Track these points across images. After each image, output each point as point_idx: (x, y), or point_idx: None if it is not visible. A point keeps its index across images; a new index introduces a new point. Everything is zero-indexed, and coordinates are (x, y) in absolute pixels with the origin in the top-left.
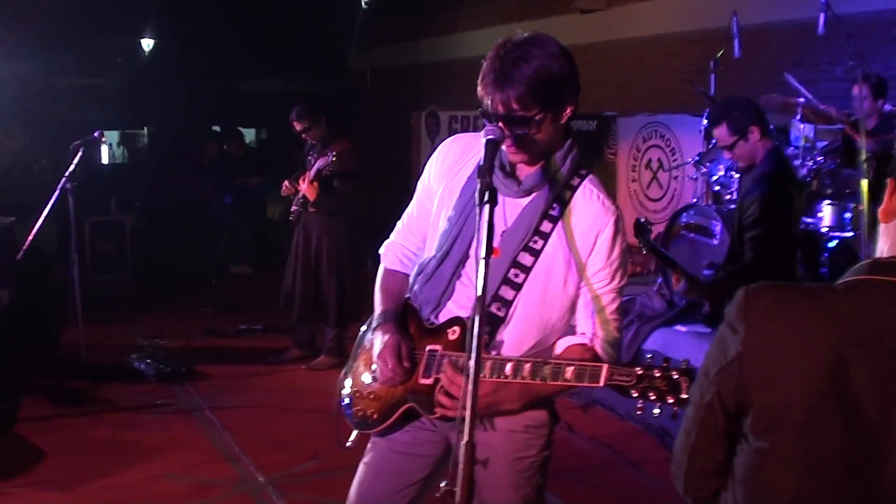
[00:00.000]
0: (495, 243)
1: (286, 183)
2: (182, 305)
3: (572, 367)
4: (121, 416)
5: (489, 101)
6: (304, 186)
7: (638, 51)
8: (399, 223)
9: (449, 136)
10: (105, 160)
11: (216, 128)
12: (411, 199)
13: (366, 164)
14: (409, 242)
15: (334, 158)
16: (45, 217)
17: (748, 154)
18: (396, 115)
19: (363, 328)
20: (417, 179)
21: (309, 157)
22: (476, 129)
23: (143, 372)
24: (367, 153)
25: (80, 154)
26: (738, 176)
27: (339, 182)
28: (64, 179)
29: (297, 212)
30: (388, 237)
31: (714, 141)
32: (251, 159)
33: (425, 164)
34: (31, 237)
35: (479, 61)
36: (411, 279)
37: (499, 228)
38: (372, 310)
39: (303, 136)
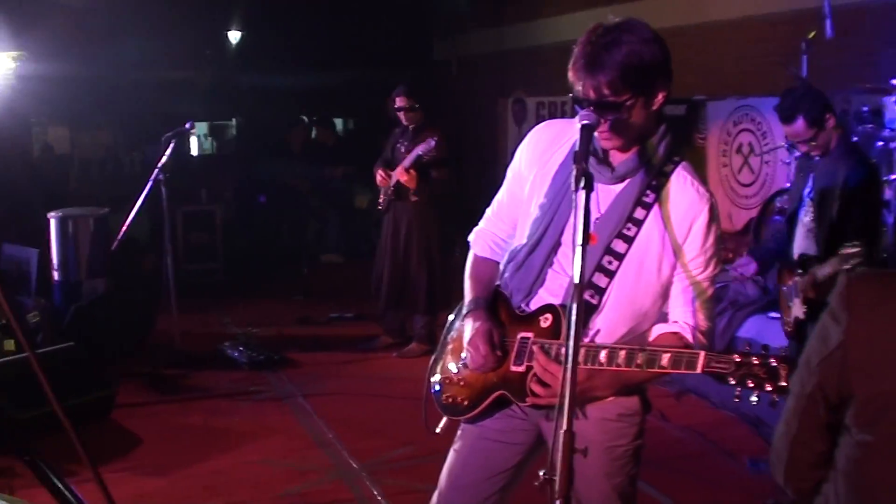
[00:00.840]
0: (592, 230)
1: (380, 171)
2: (273, 294)
3: (668, 355)
4: (214, 403)
5: (580, 87)
6: (399, 174)
7: (727, 33)
8: (489, 210)
9: (537, 122)
10: (194, 151)
11: (303, 117)
12: (498, 186)
13: (454, 152)
14: (500, 230)
15: (435, 144)
16: (139, 208)
17: (825, 142)
18: (482, 102)
19: (452, 315)
20: (504, 167)
21: (398, 145)
22: (564, 116)
23: (236, 360)
24: (453, 141)
25: (171, 146)
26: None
27: (436, 170)
28: (156, 171)
29: (387, 200)
30: (476, 225)
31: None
32: (340, 149)
33: (514, 151)
34: (125, 228)
35: (566, 46)
36: (501, 266)
37: (592, 215)
38: (461, 297)
39: (400, 114)
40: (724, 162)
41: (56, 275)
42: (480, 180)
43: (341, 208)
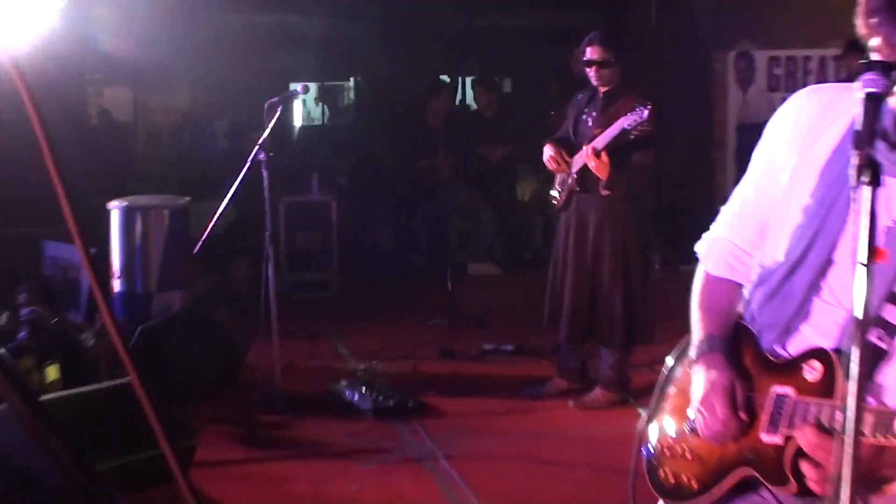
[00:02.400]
0: (879, 242)
1: (553, 152)
2: (405, 316)
3: None
4: (326, 463)
5: (878, 41)
6: (586, 157)
7: None
8: (726, 210)
9: (769, 85)
10: (299, 122)
11: (444, 78)
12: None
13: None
14: (743, 238)
15: (648, 114)
16: (232, 198)
17: None
18: (692, 56)
19: (669, 358)
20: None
21: (584, 117)
22: (815, 78)
23: (356, 405)
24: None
25: (277, 115)
26: None
27: (639, 152)
28: (257, 148)
29: (567, 193)
30: (705, 229)
31: None
32: (500, 120)
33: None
34: (212, 224)
35: None
36: (746, 293)
37: (881, 222)
38: (678, 332)
39: (591, 71)
40: None
41: (117, 284)
42: (690, 166)
43: (498, 202)
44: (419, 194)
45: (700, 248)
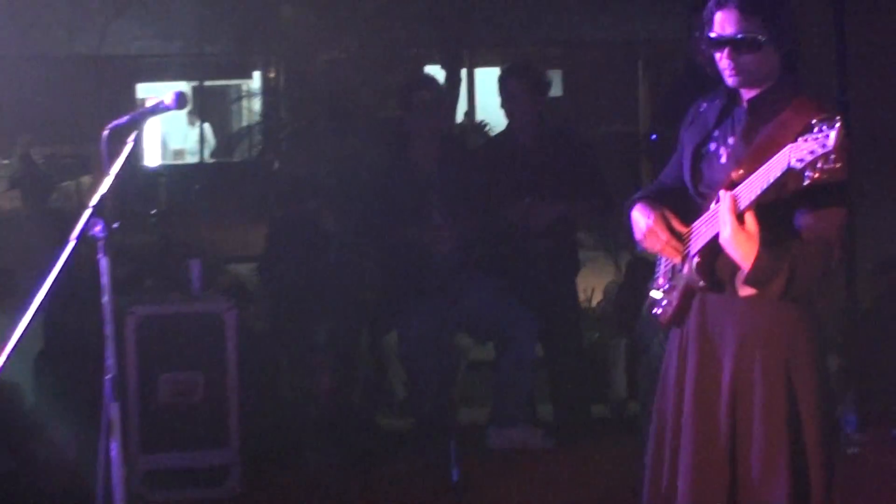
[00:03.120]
0: None
1: (650, 221)
2: None
3: None
4: None
5: None
6: (721, 221)
7: None
8: None
9: None
10: (156, 158)
11: (433, 70)
12: None
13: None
14: None
15: (835, 138)
16: (39, 310)
17: None
18: None
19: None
20: None
21: (712, 145)
22: None
23: None
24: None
25: (128, 150)
26: None
27: (816, 214)
28: (88, 214)
29: (684, 293)
30: None
31: None
32: (550, 149)
33: None
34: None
35: None
36: None
37: None
38: None
39: (720, 58)
40: None
41: None
42: None
43: (545, 310)
44: (395, 298)
45: None
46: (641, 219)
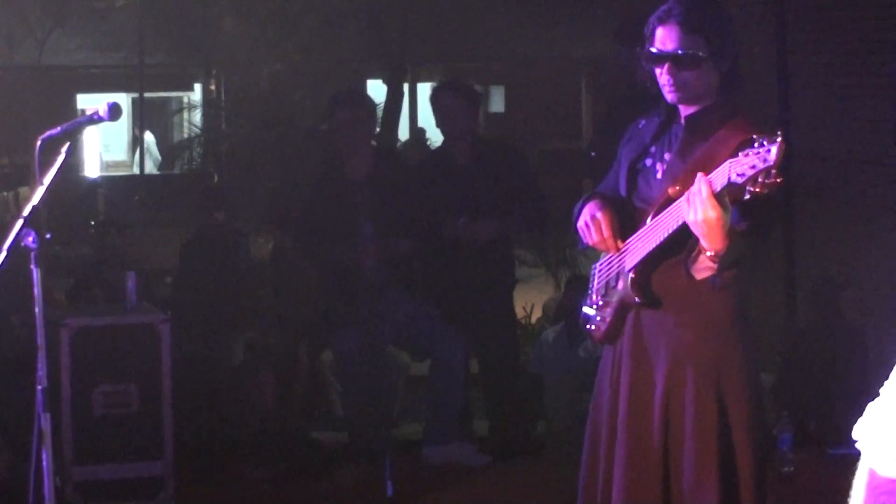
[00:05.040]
0: None
1: (596, 213)
2: None
3: None
4: None
5: None
6: (690, 202)
7: None
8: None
9: None
10: (94, 170)
11: (372, 84)
12: None
13: None
14: None
15: (776, 153)
16: None
17: None
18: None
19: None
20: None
21: (649, 161)
22: None
23: None
24: None
25: (62, 160)
26: None
27: (754, 229)
28: (20, 224)
29: (618, 308)
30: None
31: None
32: (485, 169)
33: None
34: None
35: None
36: None
37: None
38: None
39: (660, 74)
40: None
41: None
42: (856, 256)
43: (481, 328)
44: (329, 315)
45: (865, 431)
46: (594, 210)
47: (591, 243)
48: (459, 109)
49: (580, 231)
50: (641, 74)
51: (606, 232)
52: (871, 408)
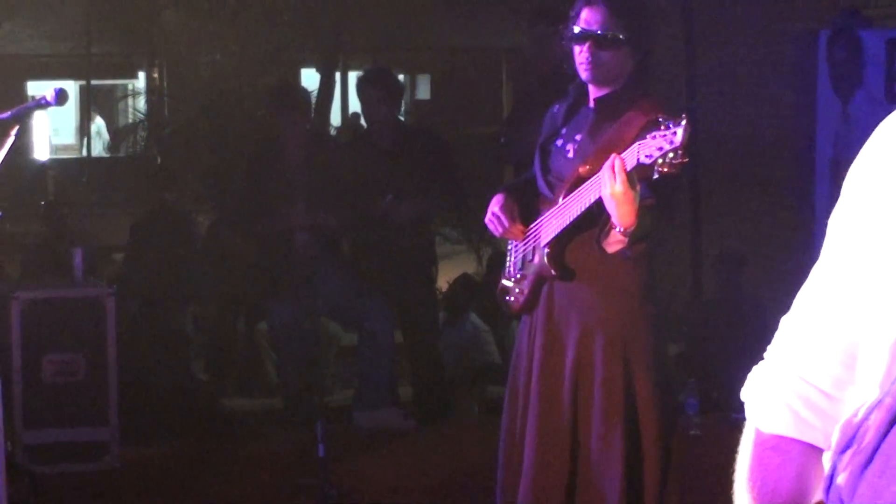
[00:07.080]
0: None
1: (496, 207)
2: None
3: None
4: None
5: None
6: (611, 180)
7: None
8: (793, 319)
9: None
10: (45, 152)
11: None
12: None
13: None
14: (822, 373)
15: (682, 135)
16: None
17: None
18: (773, 37)
19: None
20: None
21: (560, 142)
22: None
23: None
24: None
25: (10, 142)
26: None
27: (662, 206)
28: None
29: (535, 281)
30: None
31: None
32: (408, 152)
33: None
34: None
35: None
36: (829, 459)
37: None
38: None
39: (579, 53)
40: None
41: None
42: (757, 233)
43: (405, 299)
44: (264, 287)
45: (750, 392)
46: (493, 205)
47: (498, 235)
48: (381, 98)
49: (488, 225)
50: (558, 53)
51: (507, 223)
52: (755, 370)
